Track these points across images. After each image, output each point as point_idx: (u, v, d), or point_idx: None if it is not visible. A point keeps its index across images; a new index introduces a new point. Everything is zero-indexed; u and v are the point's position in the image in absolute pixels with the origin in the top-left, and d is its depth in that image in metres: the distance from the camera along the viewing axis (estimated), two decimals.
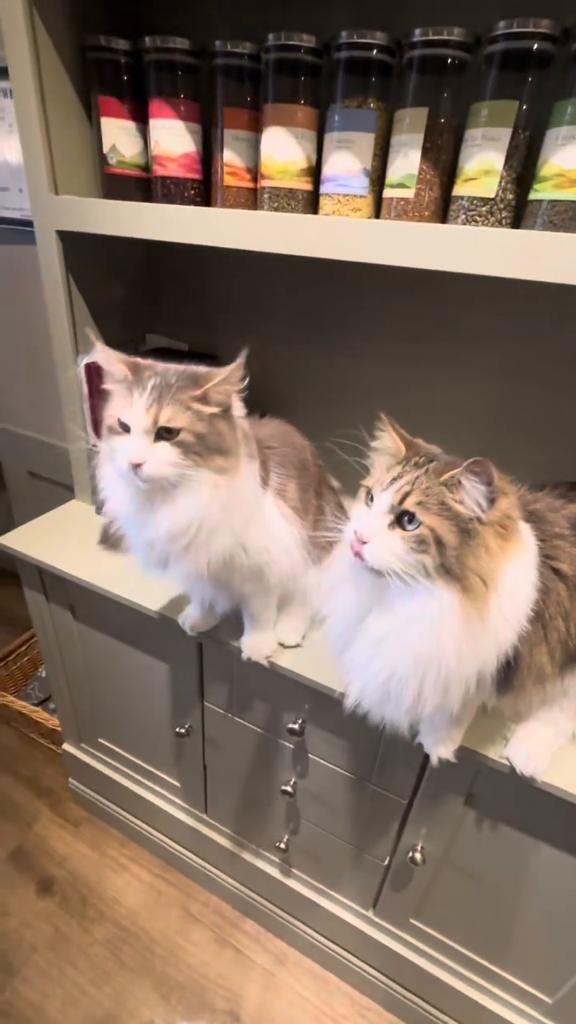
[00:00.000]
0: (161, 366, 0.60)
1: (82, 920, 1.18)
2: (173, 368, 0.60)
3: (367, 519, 0.50)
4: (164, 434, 0.55)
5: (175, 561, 0.61)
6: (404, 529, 0.48)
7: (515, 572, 0.49)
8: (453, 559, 0.47)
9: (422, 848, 0.81)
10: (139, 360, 0.61)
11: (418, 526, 0.47)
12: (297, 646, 0.78)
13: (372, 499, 0.51)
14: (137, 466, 0.55)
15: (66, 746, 1.30)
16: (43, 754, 1.52)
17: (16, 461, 1.53)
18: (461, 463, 0.47)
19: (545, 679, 0.55)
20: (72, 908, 1.19)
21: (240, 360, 0.58)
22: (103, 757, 1.22)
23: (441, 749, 0.63)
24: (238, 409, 0.61)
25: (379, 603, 0.51)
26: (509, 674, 0.53)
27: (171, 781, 1.13)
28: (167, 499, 0.58)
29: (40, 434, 1.42)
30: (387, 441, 0.55)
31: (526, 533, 0.51)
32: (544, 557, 0.52)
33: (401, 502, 0.48)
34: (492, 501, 0.47)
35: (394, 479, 0.50)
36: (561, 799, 0.62)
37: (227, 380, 0.58)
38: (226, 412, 0.59)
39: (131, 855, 1.29)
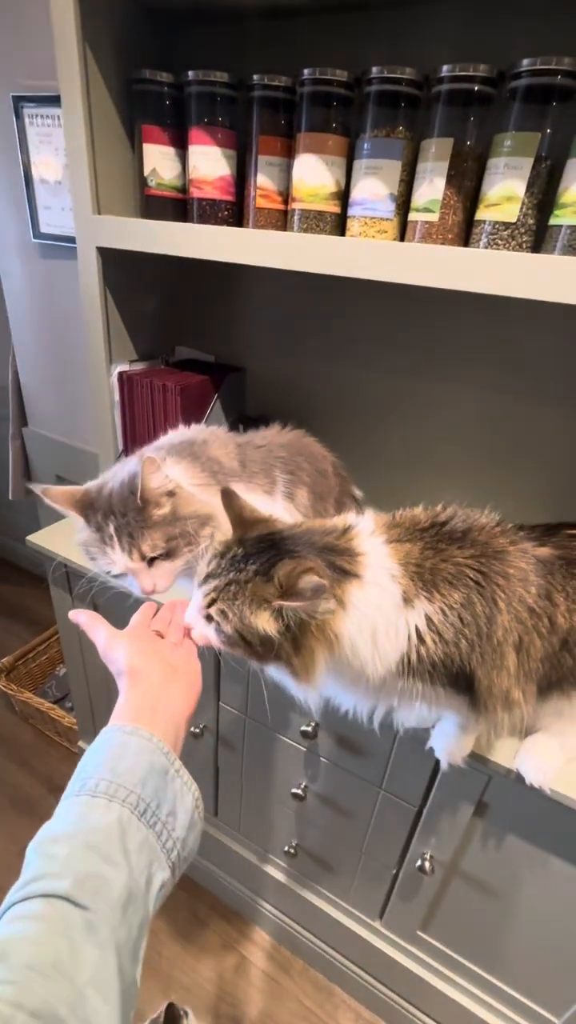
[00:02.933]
0: (104, 495, 0.63)
1: None
2: (115, 495, 0.63)
3: (191, 607, 0.54)
4: (152, 560, 0.62)
5: None
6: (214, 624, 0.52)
7: (351, 634, 0.50)
8: (266, 654, 0.50)
9: (431, 857, 0.81)
10: (89, 494, 0.64)
11: (221, 628, 0.51)
12: None
13: None
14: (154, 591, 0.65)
15: (81, 744, 1.33)
16: (57, 751, 1.55)
17: (45, 464, 1.59)
18: (277, 571, 0.48)
19: (514, 704, 0.55)
20: None
21: (142, 470, 0.60)
22: None
23: (451, 755, 0.64)
24: (187, 482, 0.64)
25: None
26: (472, 697, 0.54)
27: None
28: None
29: (68, 439, 1.47)
30: (222, 518, 0.56)
31: (358, 594, 0.51)
32: (482, 588, 0.53)
33: (209, 606, 0.51)
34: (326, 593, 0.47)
35: (208, 576, 0.52)
36: (572, 811, 0.63)
37: (147, 488, 0.60)
38: (172, 496, 0.62)
39: None
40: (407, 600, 0.51)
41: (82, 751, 1.36)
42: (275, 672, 0.53)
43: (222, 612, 0.50)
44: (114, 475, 0.67)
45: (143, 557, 0.61)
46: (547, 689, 0.57)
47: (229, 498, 0.56)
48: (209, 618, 0.52)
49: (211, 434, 0.71)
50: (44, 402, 1.50)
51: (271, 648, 0.50)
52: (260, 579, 0.49)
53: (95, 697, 1.19)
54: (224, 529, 0.62)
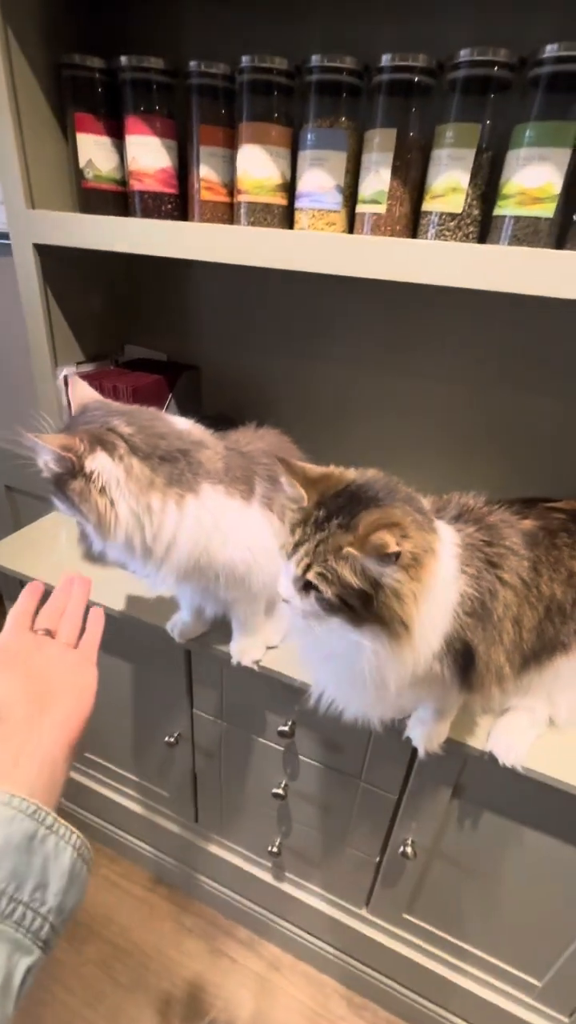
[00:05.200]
0: (87, 413, 0.64)
1: (72, 940, 1.15)
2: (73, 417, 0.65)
3: (283, 580, 0.51)
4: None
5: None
6: (317, 590, 0.49)
7: (434, 593, 0.49)
8: (367, 613, 0.48)
9: (412, 842, 0.83)
10: (90, 406, 0.66)
11: (321, 594, 0.48)
12: (274, 647, 0.79)
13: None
14: None
15: None
16: None
17: None
18: (359, 521, 0.46)
19: (505, 679, 0.57)
20: None
21: (55, 452, 0.57)
22: (91, 772, 1.20)
23: (428, 743, 0.65)
24: (113, 480, 0.59)
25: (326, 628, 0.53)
26: (469, 673, 0.55)
27: (161, 792, 1.12)
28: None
29: (15, 446, 1.40)
30: (290, 489, 0.53)
31: (441, 548, 0.51)
32: (490, 565, 0.55)
33: (304, 573, 0.49)
34: (394, 562, 0.46)
35: (296, 545, 0.50)
36: (542, 784, 0.65)
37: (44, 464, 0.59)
38: (70, 477, 0.59)
39: (121, 871, 1.28)
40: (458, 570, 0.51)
41: None
42: (371, 645, 0.49)
43: (321, 575, 0.47)
44: (95, 410, 0.63)
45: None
46: (525, 663, 0.59)
47: (289, 467, 0.52)
48: (307, 587, 0.49)
49: (207, 435, 0.69)
50: None
51: (369, 603, 0.47)
52: (341, 531, 0.47)
53: None
54: (116, 537, 0.60)
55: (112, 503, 0.59)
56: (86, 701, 0.46)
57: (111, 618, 0.85)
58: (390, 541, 0.43)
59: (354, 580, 0.46)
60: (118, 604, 0.85)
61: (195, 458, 0.63)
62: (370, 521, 0.46)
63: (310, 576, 0.48)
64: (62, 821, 0.38)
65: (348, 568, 0.46)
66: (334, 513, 0.48)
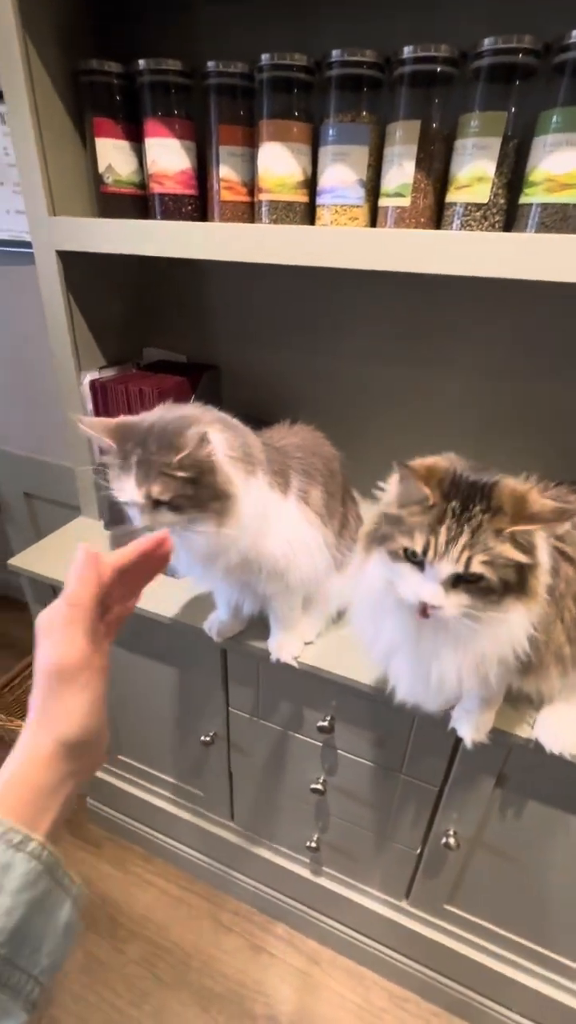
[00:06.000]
0: (143, 427, 0.62)
1: (113, 940, 1.16)
2: (155, 432, 0.61)
3: (428, 587, 0.49)
4: (157, 504, 0.60)
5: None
6: (469, 582, 0.48)
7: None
8: (517, 582, 0.48)
9: (455, 833, 0.83)
10: (124, 424, 0.63)
11: (486, 581, 0.47)
12: (310, 643, 0.80)
13: (420, 562, 0.49)
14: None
15: None
16: None
17: (11, 482, 1.52)
18: (500, 501, 0.47)
19: (565, 660, 0.57)
20: (102, 929, 1.18)
21: (200, 431, 0.58)
22: (123, 774, 1.21)
23: (476, 733, 0.66)
24: (223, 451, 0.61)
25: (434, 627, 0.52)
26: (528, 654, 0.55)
27: (195, 792, 1.13)
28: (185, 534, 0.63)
29: (36, 454, 1.41)
30: (412, 491, 0.51)
31: None
32: (554, 538, 0.55)
33: (467, 566, 0.47)
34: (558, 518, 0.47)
35: (448, 542, 0.47)
36: None
37: (192, 455, 0.58)
38: (206, 470, 0.60)
39: (156, 870, 1.28)
40: None
41: None
42: (513, 615, 0.50)
43: (486, 562, 0.47)
44: (159, 417, 0.63)
45: (149, 497, 0.59)
46: None
47: (412, 470, 0.51)
48: (457, 583, 0.48)
49: (246, 428, 0.70)
50: (7, 417, 1.43)
51: (523, 571, 0.48)
52: (489, 515, 0.47)
53: None
54: (238, 512, 0.60)
55: (231, 480, 0.59)
56: (102, 756, 0.39)
57: (144, 620, 0.86)
58: (548, 503, 0.46)
59: (518, 555, 0.47)
60: (152, 606, 0.86)
61: (248, 440, 0.64)
62: (508, 496, 0.48)
63: (475, 567, 0.47)
64: (63, 869, 0.34)
65: (511, 546, 0.47)
66: (468, 501, 0.48)
